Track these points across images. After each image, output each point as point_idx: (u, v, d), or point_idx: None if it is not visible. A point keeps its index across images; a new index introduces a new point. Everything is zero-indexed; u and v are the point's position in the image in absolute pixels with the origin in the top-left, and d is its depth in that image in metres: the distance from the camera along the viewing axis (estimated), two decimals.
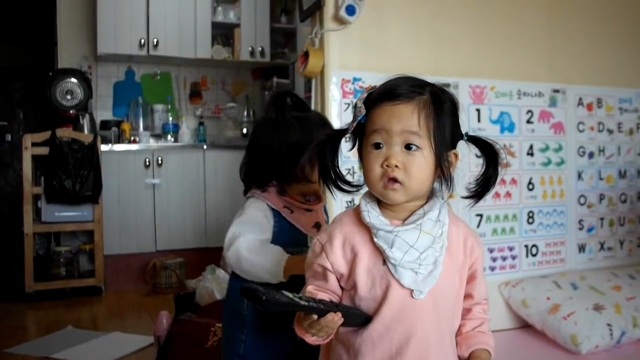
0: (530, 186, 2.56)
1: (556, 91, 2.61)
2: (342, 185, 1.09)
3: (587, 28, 2.69)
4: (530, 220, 2.56)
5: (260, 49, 4.59)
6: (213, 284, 2.43)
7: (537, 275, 2.55)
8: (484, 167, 1.05)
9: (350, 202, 2.17)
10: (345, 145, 1.10)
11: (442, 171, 1.02)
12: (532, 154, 2.54)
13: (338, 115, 2.20)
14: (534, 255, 2.58)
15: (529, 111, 2.55)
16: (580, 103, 2.67)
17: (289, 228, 1.49)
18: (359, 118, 1.03)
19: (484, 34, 2.48)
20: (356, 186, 1.09)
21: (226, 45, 4.63)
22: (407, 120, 0.99)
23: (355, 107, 1.05)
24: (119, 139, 4.17)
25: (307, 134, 1.45)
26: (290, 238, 1.48)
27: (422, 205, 1.05)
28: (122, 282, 3.85)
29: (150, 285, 3.76)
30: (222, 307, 1.65)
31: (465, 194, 1.07)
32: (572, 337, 2.18)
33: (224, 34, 4.65)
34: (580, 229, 2.69)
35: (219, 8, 4.55)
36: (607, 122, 2.75)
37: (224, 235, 1.46)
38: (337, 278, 1.05)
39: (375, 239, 1.02)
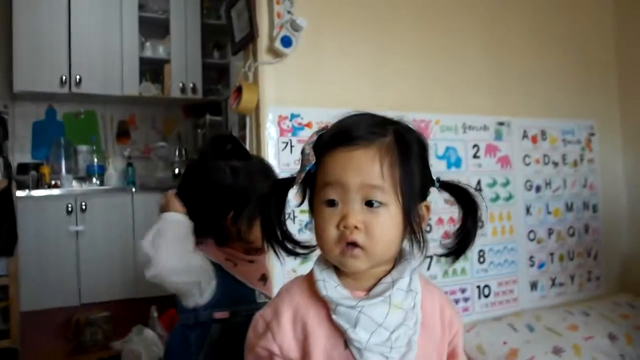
0: (480, 223, 2.43)
1: (501, 124, 2.53)
2: (290, 247, 0.89)
3: (526, 60, 2.64)
4: (481, 259, 2.44)
5: (191, 85, 4.38)
6: (140, 347, 2.17)
7: (490, 317, 2.42)
8: (462, 218, 0.88)
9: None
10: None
11: (412, 229, 0.84)
12: (480, 190, 2.43)
13: (275, 155, 2.02)
14: (486, 297, 2.45)
15: (475, 145, 2.45)
16: (525, 135, 2.60)
17: (235, 284, 1.29)
18: (307, 167, 0.84)
19: (427, 67, 2.37)
20: (308, 247, 0.89)
21: (155, 81, 4.39)
22: (367, 171, 0.80)
23: (303, 153, 0.86)
24: (38, 184, 3.83)
25: (247, 186, 1.27)
26: (238, 295, 1.28)
27: (390, 271, 0.86)
28: (41, 341, 3.46)
29: (74, 343, 3.41)
30: None
31: (440, 251, 0.90)
32: None
33: (152, 69, 4.42)
34: (532, 265, 2.59)
35: (147, 43, 4.33)
36: (552, 154, 2.69)
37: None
38: None
39: (334, 317, 0.82)
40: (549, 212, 2.66)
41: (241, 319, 1.23)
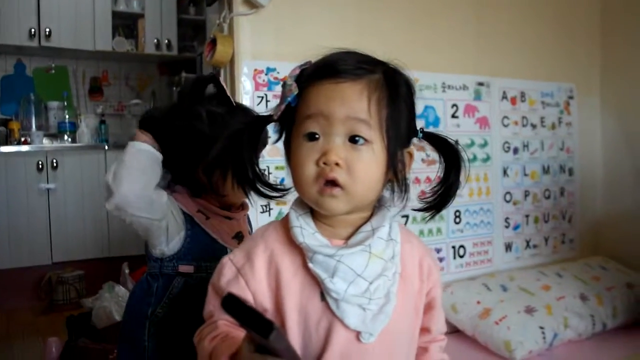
0: (462, 177, 2.42)
1: (480, 84, 2.49)
2: (262, 189, 0.83)
3: (510, 21, 2.59)
4: (457, 219, 2.43)
5: (166, 41, 4.27)
6: (111, 303, 2.13)
7: (465, 278, 2.43)
8: (444, 172, 0.84)
9: (265, 207, 1.94)
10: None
11: (395, 174, 0.80)
12: (465, 163, 2.41)
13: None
14: (461, 257, 2.45)
15: (454, 105, 2.42)
16: (504, 97, 2.57)
17: (205, 238, 1.24)
18: (288, 99, 0.79)
19: (408, 25, 2.31)
20: (280, 190, 0.84)
21: (129, 37, 4.27)
22: (353, 104, 0.75)
23: (284, 85, 0.80)
24: (7, 140, 3.74)
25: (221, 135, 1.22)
26: (206, 250, 1.22)
27: (369, 219, 0.82)
28: (13, 300, 3.42)
29: (46, 302, 3.37)
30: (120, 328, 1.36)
31: (418, 205, 0.86)
32: (506, 344, 2.05)
33: (126, 24, 4.29)
34: (507, 227, 2.60)
35: None
36: (531, 116, 2.67)
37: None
38: None
39: (310, 265, 0.77)
40: (525, 174, 2.66)
41: (206, 275, 1.18)
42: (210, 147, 1.19)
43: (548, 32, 2.73)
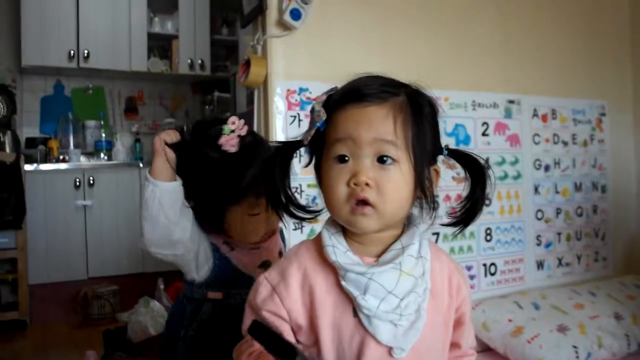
0: (488, 201, 2.43)
1: (511, 102, 2.50)
2: (295, 211, 0.87)
3: (539, 38, 2.60)
4: (488, 237, 2.43)
5: (200, 61, 4.36)
6: (147, 318, 2.18)
7: (496, 296, 2.42)
8: (470, 188, 0.86)
9: (298, 224, 1.97)
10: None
11: (423, 191, 0.83)
12: (491, 179, 2.41)
13: (283, 129, 2.01)
14: (492, 274, 2.45)
15: (485, 123, 2.43)
16: (535, 114, 2.57)
17: (230, 268, 1.26)
18: (317, 125, 0.82)
19: (436, 43, 2.34)
20: (313, 212, 0.87)
21: (164, 57, 4.39)
22: (380, 126, 0.79)
23: (312, 111, 0.84)
24: (46, 158, 3.86)
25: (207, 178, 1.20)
26: (235, 279, 1.26)
27: (399, 237, 0.84)
28: (49, 314, 3.51)
29: (81, 316, 3.45)
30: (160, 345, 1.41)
31: (446, 220, 0.88)
32: None
33: (161, 45, 4.40)
34: (538, 244, 2.58)
35: (156, 18, 4.31)
36: (562, 133, 2.66)
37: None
38: (293, 330, 0.83)
39: (343, 283, 0.80)
40: (557, 192, 2.65)
41: (234, 302, 1.23)
42: (196, 188, 1.20)
43: (578, 49, 2.72)
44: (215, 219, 1.24)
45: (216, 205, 1.21)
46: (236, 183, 1.18)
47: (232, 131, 1.18)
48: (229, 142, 1.17)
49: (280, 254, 1.34)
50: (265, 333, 0.66)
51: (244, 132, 1.20)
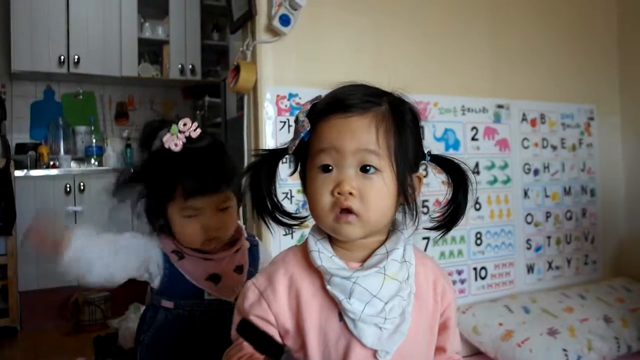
0: (477, 206, 2.44)
1: (500, 106, 2.52)
2: (281, 218, 0.89)
3: (528, 43, 2.62)
4: (478, 241, 2.44)
5: (190, 66, 4.37)
6: (137, 324, 2.17)
7: (486, 299, 2.43)
8: (452, 192, 0.88)
9: (288, 229, 1.97)
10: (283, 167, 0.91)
11: (406, 198, 0.84)
12: (478, 172, 2.43)
13: (273, 134, 2.01)
14: (483, 278, 2.46)
15: (474, 127, 2.44)
16: (524, 119, 2.59)
17: (178, 278, 1.25)
18: (301, 135, 0.84)
19: (426, 48, 2.35)
20: (299, 218, 0.90)
21: (154, 62, 4.39)
22: (363, 137, 0.80)
23: (296, 121, 0.86)
24: (37, 164, 3.83)
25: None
26: (183, 289, 1.25)
27: (384, 242, 0.86)
28: (40, 321, 3.49)
29: (72, 322, 3.43)
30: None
31: (429, 224, 0.90)
32: None
33: (151, 50, 4.40)
34: (528, 248, 2.60)
35: (146, 24, 4.31)
36: (551, 138, 2.68)
37: None
38: (280, 335, 0.84)
39: (328, 287, 0.81)
40: (546, 196, 2.66)
41: (183, 312, 1.24)
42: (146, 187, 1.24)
43: (566, 53, 2.75)
44: (157, 215, 1.26)
45: (155, 200, 1.23)
46: (169, 180, 1.19)
47: (180, 132, 1.20)
48: (172, 140, 1.19)
49: (239, 269, 1.29)
50: (253, 332, 0.67)
51: (194, 134, 1.21)
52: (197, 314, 1.23)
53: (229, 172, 1.24)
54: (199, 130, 1.22)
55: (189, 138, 1.21)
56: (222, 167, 1.23)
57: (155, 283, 1.26)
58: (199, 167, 1.20)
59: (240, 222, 1.35)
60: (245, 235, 1.35)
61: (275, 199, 0.89)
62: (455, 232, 2.32)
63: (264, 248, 1.36)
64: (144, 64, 4.27)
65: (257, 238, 1.39)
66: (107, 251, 1.20)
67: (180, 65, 4.34)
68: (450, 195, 0.89)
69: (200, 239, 1.23)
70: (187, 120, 1.23)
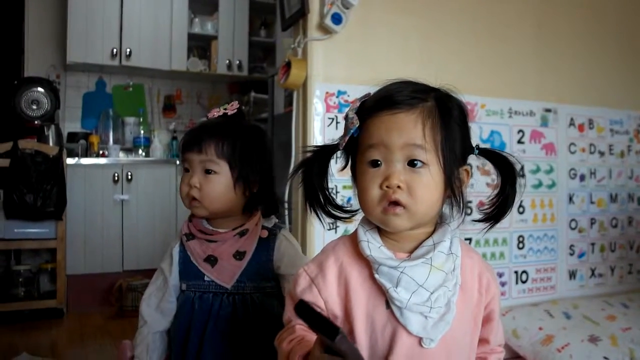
0: (521, 209, 2.43)
1: (547, 110, 2.50)
2: (332, 211, 0.92)
3: (576, 47, 2.60)
4: (521, 245, 2.43)
5: (237, 62, 4.44)
6: None
7: (527, 303, 2.42)
8: (500, 185, 0.90)
9: (332, 224, 2.01)
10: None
11: (453, 191, 0.86)
12: (523, 176, 2.42)
13: (321, 130, 2.05)
14: (523, 282, 2.45)
15: (520, 131, 2.43)
16: (571, 123, 2.57)
17: (188, 260, 1.31)
18: (351, 131, 0.87)
19: (475, 50, 2.36)
20: (350, 211, 0.93)
21: (202, 57, 4.47)
22: (410, 132, 0.83)
23: (346, 118, 0.89)
24: (87, 153, 3.96)
25: None
26: (188, 271, 1.30)
27: (431, 234, 0.88)
28: (85, 304, 3.60)
29: (116, 307, 3.53)
30: None
31: (478, 216, 0.92)
32: None
33: (200, 46, 4.49)
34: (571, 254, 2.57)
35: (196, 19, 4.40)
36: (598, 143, 2.65)
37: None
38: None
39: (376, 276, 0.84)
40: (592, 202, 2.63)
41: (190, 294, 1.29)
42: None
43: (615, 59, 2.71)
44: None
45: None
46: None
47: (225, 109, 1.34)
48: (213, 113, 1.34)
49: (240, 255, 1.28)
50: (310, 313, 0.71)
51: (230, 112, 1.33)
52: (197, 295, 1.28)
53: (228, 141, 1.26)
54: (235, 110, 1.33)
55: (225, 114, 1.32)
56: (221, 135, 1.26)
57: (173, 273, 1.32)
58: (199, 127, 1.30)
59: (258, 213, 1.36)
60: (261, 223, 1.34)
61: (327, 193, 0.92)
62: (497, 234, 2.33)
63: (286, 241, 1.33)
64: (192, 58, 4.36)
65: (282, 229, 1.36)
66: (157, 320, 1.33)
67: (227, 61, 4.41)
68: (499, 188, 0.90)
69: (184, 193, 1.29)
70: (235, 102, 1.36)
